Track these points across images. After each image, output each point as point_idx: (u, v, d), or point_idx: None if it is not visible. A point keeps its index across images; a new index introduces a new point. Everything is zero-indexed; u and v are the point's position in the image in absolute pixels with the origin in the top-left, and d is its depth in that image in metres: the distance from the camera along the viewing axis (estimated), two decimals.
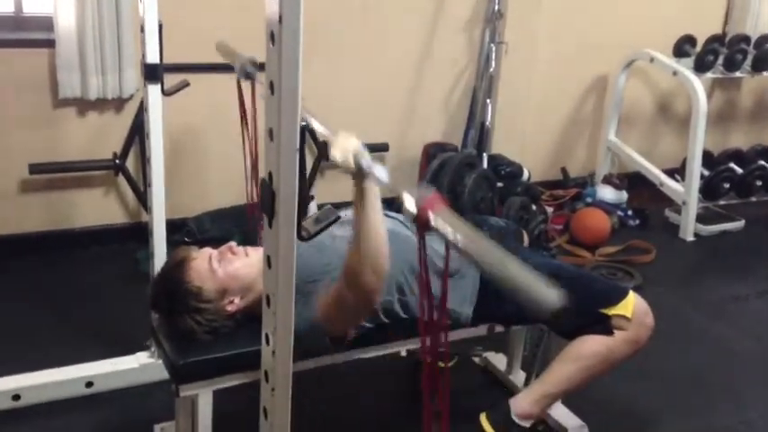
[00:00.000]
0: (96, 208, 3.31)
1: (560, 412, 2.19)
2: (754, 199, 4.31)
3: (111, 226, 3.36)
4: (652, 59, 4.04)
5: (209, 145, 3.36)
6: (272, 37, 1.08)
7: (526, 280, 0.93)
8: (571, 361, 1.93)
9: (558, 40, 4.03)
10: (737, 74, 4.20)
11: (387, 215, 2.01)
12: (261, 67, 1.94)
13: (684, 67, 3.95)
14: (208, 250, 1.82)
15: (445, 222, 1.06)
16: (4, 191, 3.13)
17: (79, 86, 3.03)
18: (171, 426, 2.04)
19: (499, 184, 3.67)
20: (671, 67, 3.97)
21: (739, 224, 4.04)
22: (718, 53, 4.06)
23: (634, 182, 4.22)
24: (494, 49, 3.79)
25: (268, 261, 1.22)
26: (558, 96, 4.25)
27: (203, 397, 1.74)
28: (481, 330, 2.04)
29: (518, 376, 2.42)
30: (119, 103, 3.20)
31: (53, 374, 2.27)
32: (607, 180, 4.18)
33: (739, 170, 4.29)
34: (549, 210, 3.93)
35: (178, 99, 2.28)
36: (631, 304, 1.93)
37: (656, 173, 4.13)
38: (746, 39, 4.23)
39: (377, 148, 3.56)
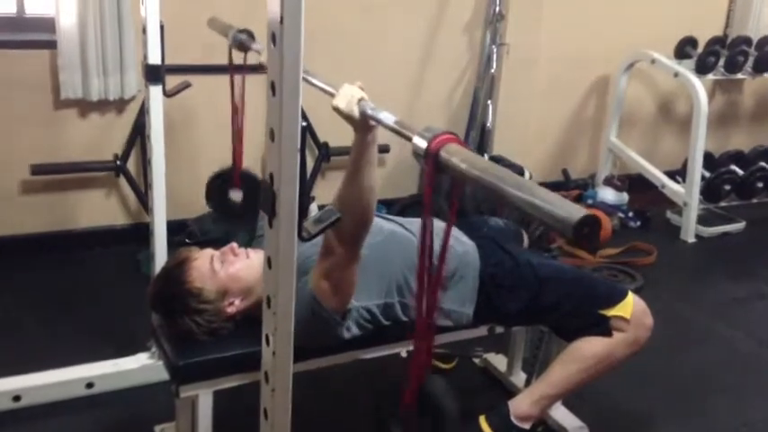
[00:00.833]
0: (97, 209, 3.32)
1: (560, 413, 2.20)
2: (755, 200, 4.31)
3: (113, 227, 3.36)
4: (653, 61, 4.04)
5: (210, 145, 3.36)
6: (273, 38, 1.08)
7: (547, 197, 0.91)
8: (570, 362, 1.93)
9: (560, 42, 4.02)
10: (739, 75, 4.20)
11: (387, 218, 2.01)
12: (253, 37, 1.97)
13: (686, 69, 3.95)
14: (209, 251, 1.82)
15: (457, 156, 1.04)
16: (5, 192, 3.13)
17: (81, 87, 3.03)
18: (171, 427, 2.05)
19: None
20: (672, 68, 3.97)
21: (740, 226, 4.04)
22: (720, 55, 4.06)
23: (635, 183, 4.22)
24: (495, 50, 3.79)
25: (269, 261, 1.23)
26: (559, 98, 4.25)
27: (203, 398, 1.74)
28: (481, 331, 2.04)
29: (519, 377, 2.41)
30: (120, 105, 3.20)
31: (54, 375, 2.27)
32: (608, 181, 4.18)
33: (740, 172, 4.30)
34: None
35: (178, 100, 2.28)
36: (630, 305, 1.93)
37: (657, 174, 4.13)
38: (748, 40, 4.23)
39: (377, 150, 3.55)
